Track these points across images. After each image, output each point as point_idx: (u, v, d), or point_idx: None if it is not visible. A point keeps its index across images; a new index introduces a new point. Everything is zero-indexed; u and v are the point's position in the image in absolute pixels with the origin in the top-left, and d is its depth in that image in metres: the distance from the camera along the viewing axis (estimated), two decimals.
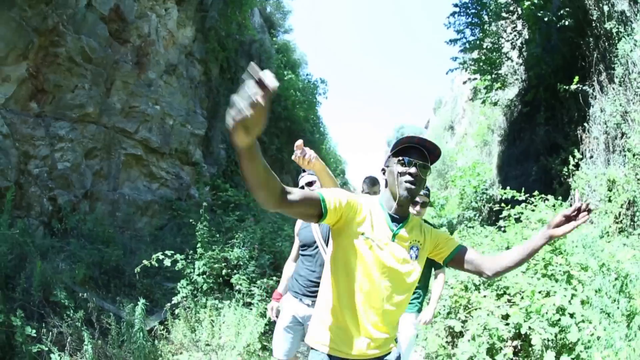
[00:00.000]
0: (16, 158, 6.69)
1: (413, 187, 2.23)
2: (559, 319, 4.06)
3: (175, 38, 11.88)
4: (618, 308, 3.77)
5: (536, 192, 7.51)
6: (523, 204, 7.43)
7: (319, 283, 3.14)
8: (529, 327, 4.17)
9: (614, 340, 3.39)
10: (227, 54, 15.44)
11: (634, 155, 7.04)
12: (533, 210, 7.09)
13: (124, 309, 5.14)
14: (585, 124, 9.36)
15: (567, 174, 9.09)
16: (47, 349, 4.02)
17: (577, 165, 8.90)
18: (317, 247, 3.77)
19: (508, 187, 8.57)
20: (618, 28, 8.86)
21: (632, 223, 6.76)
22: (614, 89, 8.71)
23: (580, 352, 3.62)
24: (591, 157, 8.95)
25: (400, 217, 2.34)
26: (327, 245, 3.59)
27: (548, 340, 4.07)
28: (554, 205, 7.14)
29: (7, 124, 6.63)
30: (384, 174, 2.42)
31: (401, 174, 2.25)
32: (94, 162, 8.37)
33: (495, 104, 15.98)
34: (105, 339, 4.63)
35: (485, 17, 13.76)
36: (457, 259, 2.38)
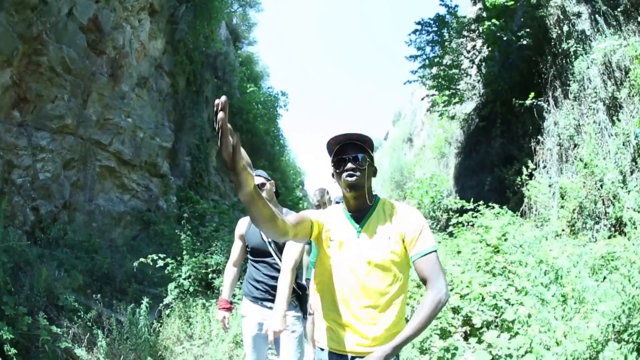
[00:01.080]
0: (1, 167, 6.79)
1: (353, 179, 2.30)
2: (496, 304, 4.73)
3: (146, 50, 12.10)
4: (553, 295, 4.30)
5: (481, 202, 8.17)
6: (471, 212, 8.19)
7: (276, 286, 3.51)
8: (470, 311, 4.88)
9: (547, 320, 3.90)
10: (194, 66, 15.66)
11: (585, 165, 7.63)
12: (476, 217, 7.91)
13: (121, 311, 5.58)
14: (539, 137, 9.87)
15: (520, 183, 9.59)
16: (70, 345, 4.35)
17: (530, 175, 9.42)
18: (271, 255, 3.78)
19: (460, 197, 9.23)
20: (576, 47, 9.39)
21: (583, 225, 7.37)
22: (568, 103, 9.27)
23: (519, 329, 4.14)
24: (544, 167, 9.45)
25: (361, 213, 2.42)
26: (279, 252, 3.74)
27: (489, 322, 4.69)
28: (498, 213, 7.83)
29: None
30: (334, 179, 2.48)
31: (340, 173, 2.35)
32: (71, 173, 8.47)
33: (452, 117, 16.57)
34: (110, 336, 4.98)
35: (446, 35, 14.37)
36: (418, 264, 2.27)
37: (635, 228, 5.47)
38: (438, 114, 16.88)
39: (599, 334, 3.17)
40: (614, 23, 8.76)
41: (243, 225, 4.01)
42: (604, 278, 4.28)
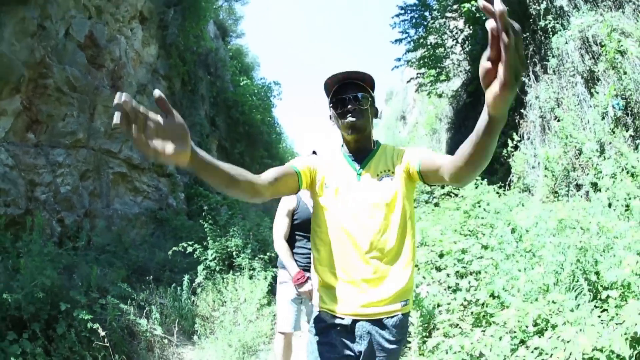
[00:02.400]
0: (24, 187, 7.35)
1: (354, 119, 2.20)
2: (462, 257, 5.57)
3: (141, 57, 12.60)
4: (517, 251, 5.00)
5: None
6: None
7: None
8: (444, 264, 5.75)
9: (509, 269, 4.60)
10: (188, 67, 16.12)
11: (566, 136, 8.20)
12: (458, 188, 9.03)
13: (161, 294, 6.92)
14: (522, 110, 10.39)
15: (506, 155, 10.15)
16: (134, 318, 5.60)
17: (515, 147, 9.96)
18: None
19: None
20: (554, 23, 9.71)
21: (565, 192, 7.96)
22: (548, 78, 9.73)
23: (484, 278, 4.89)
24: (528, 138, 9.97)
25: (361, 155, 2.32)
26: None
27: (461, 273, 5.42)
28: (475, 184, 8.74)
29: (11, 156, 7.26)
30: (332, 121, 2.39)
31: (340, 114, 2.24)
32: (88, 183, 9.07)
33: (440, 95, 17.14)
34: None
35: (429, 17, 14.82)
36: (425, 167, 2.13)
37: (607, 191, 6.03)
38: (426, 93, 17.40)
39: (546, 279, 3.85)
40: None
41: (292, 201, 4.19)
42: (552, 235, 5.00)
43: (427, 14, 14.76)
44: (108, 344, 4.53)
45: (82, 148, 9.01)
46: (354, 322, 2.16)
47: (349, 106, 2.19)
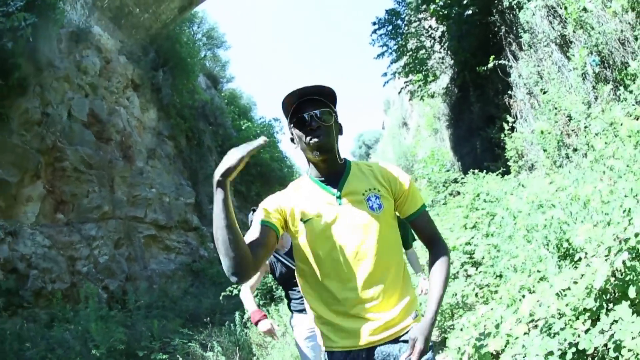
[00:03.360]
0: (65, 263, 7.89)
1: (318, 139, 1.94)
2: (466, 250, 5.98)
3: (143, 123, 13.24)
4: (515, 231, 5.39)
5: (470, 171, 9.33)
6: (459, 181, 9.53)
7: None
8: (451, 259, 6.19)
9: (509, 250, 5.00)
10: (189, 123, 16.71)
11: (554, 107, 8.51)
12: (462, 185, 9.57)
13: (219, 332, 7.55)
14: (510, 92, 10.62)
15: (504, 138, 10.38)
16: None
17: (512, 129, 10.18)
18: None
19: (460, 165, 10.19)
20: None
21: (566, 159, 8.25)
22: (525, 54, 9.92)
23: (486, 262, 5.32)
24: (522, 117, 10.20)
25: (333, 177, 2.06)
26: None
27: (466, 263, 5.86)
28: (474, 175, 9.44)
29: (46, 237, 7.81)
30: (294, 144, 2.11)
31: (303, 135, 1.97)
32: (122, 250, 9.63)
33: (432, 96, 17.33)
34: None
35: (402, 24, 15.25)
36: (414, 225, 2.13)
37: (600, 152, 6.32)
38: (419, 98, 17.77)
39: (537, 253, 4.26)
40: None
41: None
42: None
43: (399, 22, 15.20)
44: None
45: (110, 219, 9.59)
46: (371, 349, 1.98)
47: (313, 123, 1.95)
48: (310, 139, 1.94)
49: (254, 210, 3.70)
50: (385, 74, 16.35)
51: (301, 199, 2.03)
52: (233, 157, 1.67)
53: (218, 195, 1.70)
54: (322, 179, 2.06)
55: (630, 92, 6.53)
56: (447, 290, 2.08)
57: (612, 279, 2.99)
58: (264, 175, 22.67)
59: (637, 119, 5.10)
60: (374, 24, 15.22)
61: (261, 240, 1.86)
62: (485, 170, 9.81)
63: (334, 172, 2.06)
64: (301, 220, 1.98)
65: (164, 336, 6.66)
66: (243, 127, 23.36)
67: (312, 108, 1.97)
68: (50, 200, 8.40)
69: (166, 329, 7.03)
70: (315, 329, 2.12)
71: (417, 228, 2.12)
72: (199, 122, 18.50)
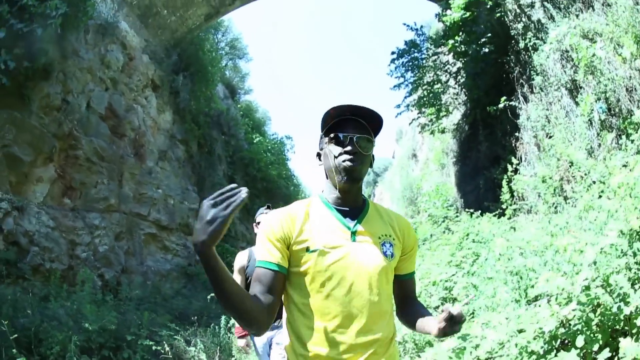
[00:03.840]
0: (65, 246, 8.12)
1: (353, 164, 1.79)
2: (446, 286, 6.34)
3: (158, 124, 13.51)
4: (497, 272, 5.60)
5: (466, 210, 9.58)
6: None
7: None
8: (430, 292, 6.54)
9: (486, 290, 5.22)
10: (202, 130, 17.01)
11: (557, 150, 8.60)
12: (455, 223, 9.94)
13: (204, 333, 7.86)
14: (517, 133, 10.74)
15: (507, 180, 10.29)
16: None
17: (515, 170, 10.15)
18: None
19: (463, 202, 10.44)
20: (534, 41, 9.96)
21: (560, 207, 8.36)
22: (535, 96, 10.00)
23: (461, 299, 5.56)
24: (526, 160, 10.32)
25: (353, 209, 1.89)
26: None
27: (444, 298, 6.17)
28: (472, 215, 9.80)
29: (51, 219, 8.03)
30: (319, 159, 1.98)
31: (337, 154, 1.82)
32: (122, 243, 9.85)
33: (442, 131, 17.39)
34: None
35: (420, 57, 15.47)
36: (408, 283, 2.05)
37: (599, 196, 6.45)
38: (429, 132, 17.93)
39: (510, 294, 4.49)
40: (563, 5, 9.22)
41: (243, 258, 4.26)
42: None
43: (417, 54, 15.45)
44: None
45: (114, 212, 9.84)
46: None
47: (349, 147, 1.80)
48: (344, 161, 1.80)
49: (269, 207, 4.12)
50: (399, 106, 16.53)
51: (310, 224, 1.84)
52: (215, 219, 1.44)
53: (207, 264, 1.49)
54: (339, 208, 1.89)
55: (632, 141, 6.64)
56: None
57: (562, 328, 3.23)
58: (270, 191, 22.93)
59: (631, 170, 5.22)
60: (393, 53, 15.44)
61: (271, 289, 1.72)
62: (482, 210, 10.00)
63: (353, 205, 1.90)
64: (307, 249, 1.78)
65: (152, 327, 6.94)
66: (255, 141, 23.83)
67: (354, 130, 1.84)
68: (59, 184, 8.65)
69: (155, 322, 7.31)
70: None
71: (403, 288, 2.02)
72: (213, 130, 18.80)
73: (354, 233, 1.82)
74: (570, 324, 3.22)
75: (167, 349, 6.33)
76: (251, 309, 1.61)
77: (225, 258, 14.34)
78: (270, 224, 1.81)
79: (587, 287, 3.20)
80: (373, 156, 1.96)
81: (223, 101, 21.58)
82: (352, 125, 1.85)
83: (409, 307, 2.03)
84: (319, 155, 1.98)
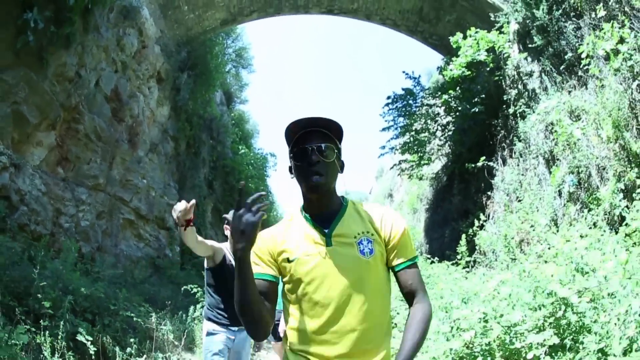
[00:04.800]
0: (51, 212, 8.39)
1: (318, 176, 1.92)
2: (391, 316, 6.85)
3: (155, 116, 13.88)
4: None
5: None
6: None
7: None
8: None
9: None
10: (194, 131, 17.32)
11: (526, 212, 9.10)
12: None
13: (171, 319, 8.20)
14: (490, 192, 11.41)
15: (472, 234, 10.86)
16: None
17: (481, 226, 10.69)
18: None
19: (428, 249, 10.93)
20: (524, 109, 10.61)
21: (516, 263, 8.84)
22: (513, 161, 10.72)
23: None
24: (493, 218, 10.89)
25: (326, 215, 2.01)
26: None
27: None
28: (431, 262, 10.43)
29: (43, 184, 8.30)
30: (292, 175, 2.08)
31: (301, 169, 1.96)
32: (102, 222, 10.15)
33: (420, 178, 18.07)
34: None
35: (414, 104, 16.16)
36: (402, 275, 2.01)
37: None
38: (408, 177, 18.54)
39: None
40: (559, 80, 9.78)
41: (220, 252, 4.30)
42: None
43: (412, 101, 16.12)
44: (137, 338, 6.09)
45: (101, 191, 10.18)
46: None
47: (313, 157, 1.93)
48: (309, 177, 1.93)
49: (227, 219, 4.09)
50: (383, 147, 17.17)
51: (290, 236, 2.01)
52: (248, 227, 1.72)
53: (242, 268, 1.73)
54: (314, 216, 2.02)
55: (592, 215, 7.21)
56: (419, 351, 1.88)
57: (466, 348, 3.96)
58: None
59: (573, 242, 5.80)
60: (389, 97, 16.09)
61: (267, 296, 1.92)
62: (444, 258, 10.59)
63: (327, 211, 2.02)
64: (287, 260, 1.95)
65: (127, 303, 7.31)
66: (240, 152, 24.09)
67: (316, 140, 1.95)
68: (56, 153, 8.94)
69: (129, 299, 7.66)
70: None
71: (400, 281, 2.01)
72: (203, 132, 19.09)
73: (329, 237, 1.95)
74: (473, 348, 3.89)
75: (142, 324, 6.81)
76: (265, 317, 1.84)
77: (191, 259, 14.71)
78: (257, 244, 1.95)
79: (486, 320, 3.90)
80: (342, 162, 2.11)
81: (218, 106, 21.92)
82: (312, 137, 1.97)
83: (410, 309, 1.99)
84: (290, 169, 2.08)
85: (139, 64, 12.62)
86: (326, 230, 1.97)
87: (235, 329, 4.15)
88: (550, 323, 3.84)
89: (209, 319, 4.25)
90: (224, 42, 22.07)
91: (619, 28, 7.43)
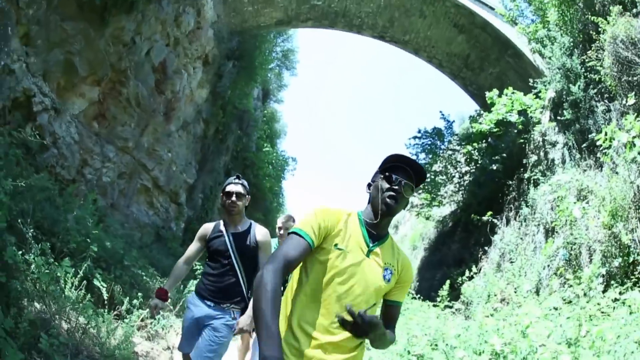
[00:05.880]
0: (78, 161, 8.92)
1: (394, 202, 2.22)
2: None
3: (193, 96, 14.45)
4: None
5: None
6: None
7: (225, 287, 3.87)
8: None
9: None
10: (225, 119, 17.83)
11: (513, 274, 9.43)
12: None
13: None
14: (487, 247, 11.68)
15: (461, 283, 11.22)
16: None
17: (471, 277, 11.04)
18: (230, 257, 3.92)
19: (418, 287, 11.12)
20: (539, 176, 10.87)
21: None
22: (516, 223, 10.99)
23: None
24: (483, 271, 11.18)
25: (377, 235, 2.29)
26: (238, 256, 3.93)
27: None
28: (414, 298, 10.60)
29: (78, 133, 8.84)
30: (369, 189, 2.38)
31: (385, 189, 2.24)
32: (121, 182, 10.70)
33: (427, 218, 18.50)
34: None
35: (440, 146, 16.61)
36: (391, 309, 2.37)
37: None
38: (416, 214, 18.95)
39: None
40: (577, 157, 10.11)
41: (208, 228, 4.11)
42: None
43: (438, 142, 16.56)
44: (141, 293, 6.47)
45: (127, 154, 10.74)
46: None
47: (396, 187, 2.22)
48: (387, 198, 2.22)
49: (238, 177, 4.15)
50: None
51: (347, 228, 2.24)
52: None
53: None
54: (369, 231, 2.28)
55: (571, 291, 7.47)
56: (381, 344, 2.25)
57: None
58: (256, 199, 23.18)
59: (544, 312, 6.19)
60: (419, 131, 16.53)
61: (296, 260, 2.07)
62: (429, 299, 10.91)
63: (379, 232, 2.29)
64: (335, 245, 2.17)
65: (136, 263, 7.84)
66: (264, 149, 24.47)
67: (403, 176, 2.25)
68: (95, 108, 9.50)
69: (136, 259, 8.11)
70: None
71: (387, 311, 2.36)
72: (233, 122, 19.56)
73: (370, 251, 2.22)
74: None
75: (149, 283, 7.27)
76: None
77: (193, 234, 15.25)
78: (323, 212, 2.23)
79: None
80: (409, 201, 2.39)
81: (254, 100, 22.26)
82: (402, 172, 2.26)
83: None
84: (369, 185, 2.38)
85: (190, 42, 13.14)
86: (371, 244, 2.24)
87: (211, 304, 3.92)
88: None
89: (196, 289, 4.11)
90: (274, 39, 22.55)
91: None
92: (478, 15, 14.43)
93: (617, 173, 7.89)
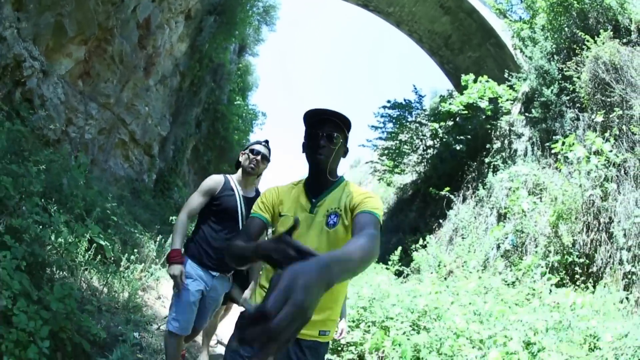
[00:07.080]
0: (63, 121, 9.18)
1: (320, 156, 2.26)
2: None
3: (172, 50, 14.61)
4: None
5: None
6: None
7: None
8: None
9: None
10: (201, 72, 17.96)
11: (462, 250, 10.19)
12: None
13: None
14: (442, 220, 12.42)
15: (414, 250, 11.80)
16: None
17: (424, 246, 11.61)
18: (238, 222, 3.74)
19: None
20: (499, 163, 11.49)
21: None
22: (472, 203, 11.73)
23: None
24: (437, 242, 11.78)
25: (319, 189, 2.37)
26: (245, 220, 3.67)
27: None
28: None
29: (64, 94, 9.06)
30: (303, 150, 2.40)
31: (310, 147, 2.30)
32: (101, 137, 11.00)
33: (388, 184, 19.32)
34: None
35: (409, 118, 17.17)
36: (358, 217, 2.12)
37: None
38: (378, 178, 19.64)
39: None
40: (539, 154, 10.69)
41: (217, 182, 3.81)
42: None
43: (407, 114, 17.14)
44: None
45: (108, 110, 11.01)
46: None
47: (321, 142, 2.25)
48: (314, 154, 2.28)
49: (267, 142, 3.95)
50: (369, 140, 18.16)
51: (288, 197, 2.39)
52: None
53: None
54: (310, 187, 2.39)
55: (512, 274, 8.27)
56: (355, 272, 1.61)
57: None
58: (223, 151, 23.52)
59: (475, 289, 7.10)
60: (388, 102, 17.04)
61: (256, 235, 2.26)
62: (383, 262, 11.58)
63: (320, 185, 2.37)
64: (279, 214, 2.36)
65: (125, 220, 8.35)
66: (235, 102, 24.70)
67: (328, 129, 2.28)
68: (80, 67, 9.67)
69: (124, 217, 8.61)
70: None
71: (355, 224, 2.10)
72: (207, 75, 19.57)
73: (314, 206, 2.33)
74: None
75: (140, 239, 7.85)
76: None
77: (165, 188, 15.75)
78: (264, 193, 2.44)
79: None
80: (347, 149, 2.42)
81: (230, 55, 22.34)
82: (325, 125, 2.29)
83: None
84: (303, 147, 2.41)
85: None
86: (314, 200, 2.35)
87: (216, 274, 3.74)
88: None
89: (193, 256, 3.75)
90: None
91: (604, 141, 8.19)
92: (467, 0, 14.80)
93: (572, 178, 8.54)
